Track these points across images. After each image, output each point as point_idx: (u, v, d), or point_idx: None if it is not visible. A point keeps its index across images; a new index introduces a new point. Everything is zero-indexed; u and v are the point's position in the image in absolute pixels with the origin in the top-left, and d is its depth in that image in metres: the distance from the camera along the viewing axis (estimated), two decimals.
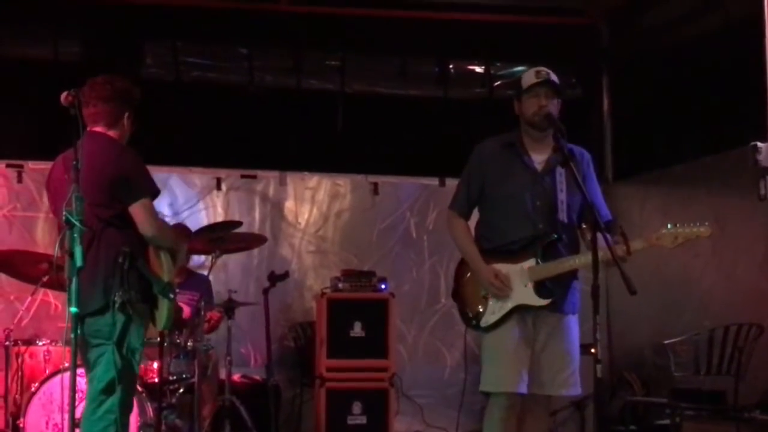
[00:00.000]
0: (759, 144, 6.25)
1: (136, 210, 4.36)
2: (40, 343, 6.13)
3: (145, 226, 4.37)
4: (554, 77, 4.62)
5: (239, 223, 6.82)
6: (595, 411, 6.73)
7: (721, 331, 6.35)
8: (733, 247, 6.81)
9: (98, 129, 4.53)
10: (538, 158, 4.63)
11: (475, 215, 4.80)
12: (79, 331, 3.94)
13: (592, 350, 4.05)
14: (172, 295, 4.44)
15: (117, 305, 4.26)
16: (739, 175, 6.62)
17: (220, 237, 6.35)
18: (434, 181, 8.18)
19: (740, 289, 6.75)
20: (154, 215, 4.45)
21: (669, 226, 4.42)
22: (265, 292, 6.89)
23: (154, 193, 4.50)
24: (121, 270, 4.29)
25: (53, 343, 6.10)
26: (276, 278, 7.04)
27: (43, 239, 7.27)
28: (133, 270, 4.32)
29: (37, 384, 5.77)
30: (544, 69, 4.63)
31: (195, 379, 6.19)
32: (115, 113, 4.56)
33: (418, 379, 7.89)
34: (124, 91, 4.60)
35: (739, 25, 6.88)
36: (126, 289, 4.28)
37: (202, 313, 6.35)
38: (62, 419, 5.50)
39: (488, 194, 4.68)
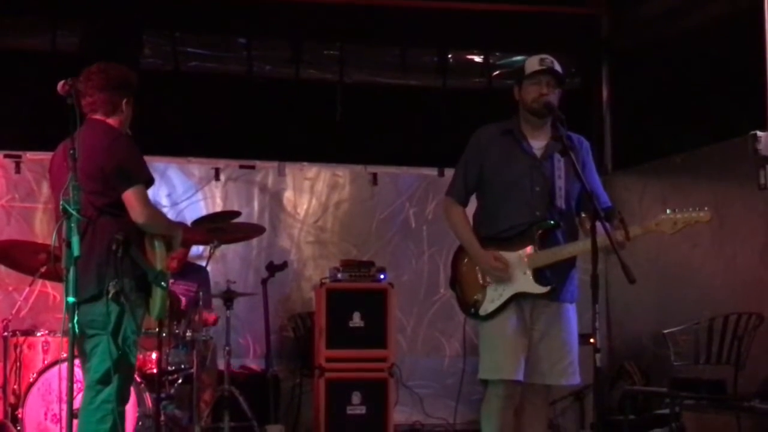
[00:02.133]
0: (759, 133, 6.26)
1: (129, 196, 4.35)
2: (39, 334, 6.13)
3: (136, 213, 4.35)
4: (558, 67, 4.59)
5: (238, 213, 6.81)
6: (594, 400, 6.73)
7: (721, 321, 6.34)
8: (733, 237, 6.80)
9: (97, 117, 4.53)
10: (537, 144, 4.61)
11: (473, 204, 4.80)
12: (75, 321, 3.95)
13: (591, 340, 4.04)
14: (164, 284, 4.42)
15: (111, 295, 4.25)
16: (739, 164, 6.62)
17: (219, 227, 6.34)
18: (433, 172, 8.17)
19: (740, 279, 6.75)
20: (147, 202, 4.43)
21: (668, 211, 4.41)
22: (264, 282, 6.89)
23: (148, 180, 4.48)
24: (114, 258, 4.28)
25: (51, 334, 6.10)
26: (275, 268, 7.05)
27: (41, 230, 7.26)
28: (126, 258, 4.31)
29: (35, 374, 5.77)
30: (548, 57, 4.60)
31: (194, 370, 6.20)
32: (112, 101, 4.55)
33: (418, 370, 7.89)
34: (119, 79, 4.58)
35: (739, 15, 6.87)
36: (120, 277, 4.27)
37: (201, 304, 6.35)
38: (61, 409, 5.50)
39: (487, 180, 4.66)
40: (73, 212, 3.87)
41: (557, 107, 4.51)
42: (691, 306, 7.03)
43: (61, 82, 4.01)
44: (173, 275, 6.68)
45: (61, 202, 3.91)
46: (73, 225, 3.87)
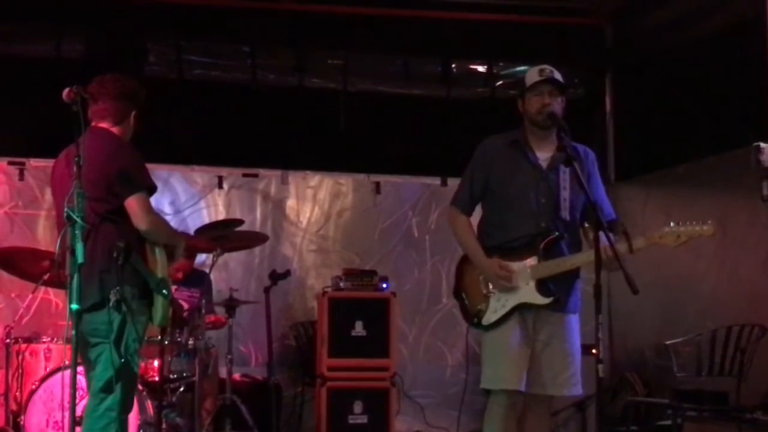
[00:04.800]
0: (762, 145, 6.26)
1: (131, 203, 4.36)
2: (41, 341, 6.12)
3: (138, 220, 4.37)
4: (558, 75, 4.61)
5: (241, 222, 6.81)
6: (597, 411, 6.72)
7: (724, 332, 6.34)
8: (736, 248, 6.79)
9: (102, 125, 4.55)
10: (543, 156, 4.63)
11: (477, 213, 4.80)
12: (79, 329, 3.94)
13: (593, 350, 4.03)
14: (165, 292, 4.41)
15: (112, 303, 4.25)
16: (742, 175, 6.62)
17: (222, 235, 6.35)
18: (436, 181, 8.17)
19: (743, 290, 6.74)
20: (149, 210, 4.44)
21: (672, 224, 4.40)
22: (267, 290, 6.88)
23: (151, 188, 4.50)
24: (115, 265, 4.28)
25: (54, 341, 6.09)
26: (277, 277, 7.03)
27: (44, 237, 7.26)
28: (127, 265, 4.31)
29: (37, 382, 5.76)
30: (547, 67, 4.62)
31: (196, 378, 6.19)
32: (122, 111, 4.58)
33: (419, 379, 7.88)
34: (132, 91, 4.64)
35: (742, 26, 6.87)
36: (121, 285, 4.27)
37: (203, 312, 6.35)
38: (63, 417, 5.50)
39: (492, 191, 4.68)
40: (78, 219, 3.88)
41: (562, 116, 4.53)
42: (693, 317, 7.03)
43: (67, 89, 4.01)
44: (177, 283, 6.69)
45: (65, 209, 3.92)
46: (77, 232, 3.87)
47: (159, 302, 4.44)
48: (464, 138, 5.19)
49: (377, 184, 8.16)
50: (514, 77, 8.19)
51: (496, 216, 4.67)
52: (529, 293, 4.53)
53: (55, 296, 7.06)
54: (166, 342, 6.01)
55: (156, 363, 6.06)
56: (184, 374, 6.28)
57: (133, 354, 4.38)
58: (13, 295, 7.04)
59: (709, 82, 7.20)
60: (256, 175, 7.96)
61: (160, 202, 7.54)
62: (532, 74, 4.63)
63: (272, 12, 7.97)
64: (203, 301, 6.38)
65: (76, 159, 3.97)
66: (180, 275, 6.78)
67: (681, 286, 7.34)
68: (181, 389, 6.28)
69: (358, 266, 7.66)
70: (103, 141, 4.45)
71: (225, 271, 7.59)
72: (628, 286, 3.96)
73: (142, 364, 5.99)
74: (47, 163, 5.11)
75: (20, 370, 6.02)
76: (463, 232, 4.73)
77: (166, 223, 4.89)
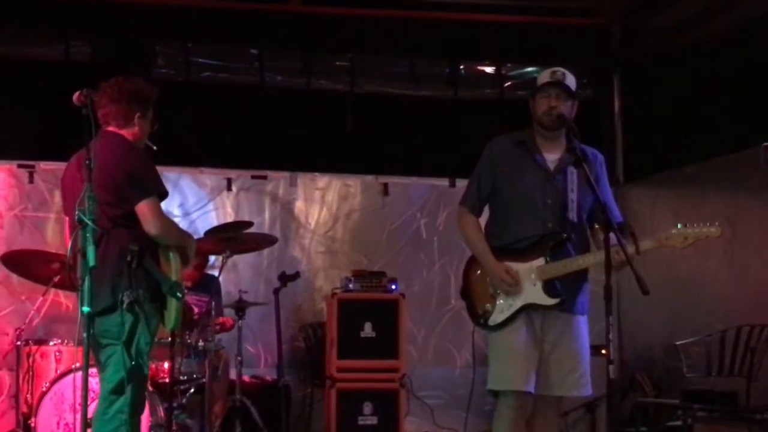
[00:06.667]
0: None
1: (141, 208, 4.36)
2: (51, 343, 6.14)
3: (149, 225, 4.37)
4: (570, 79, 4.59)
5: (250, 224, 6.82)
6: (608, 412, 6.72)
7: (733, 332, 6.34)
8: (745, 248, 6.79)
9: (111, 129, 4.56)
10: (550, 157, 4.62)
11: (485, 214, 4.81)
12: (91, 331, 3.95)
13: (603, 351, 4.03)
14: (179, 294, 4.42)
15: (125, 305, 4.26)
16: (750, 176, 6.62)
17: (231, 237, 6.36)
18: (444, 182, 8.17)
19: (752, 290, 6.73)
20: (160, 214, 4.43)
21: (679, 225, 4.40)
22: (276, 292, 6.90)
23: (161, 193, 4.49)
24: (128, 268, 4.29)
25: (64, 343, 6.11)
26: (286, 279, 7.04)
27: (53, 239, 7.27)
28: (140, 268, 4.32)
29: (48, 384, 5.78)
30: (560, 69, 4.61)
31: (206, 380, 6.20)
32: (123, 113, 4.56)
33: (428, 380, 7.88)
34: (132, 92, 4.59)
35: (750, 25, 6.86)
36: (134, 288, 4.28)
37: (213, 314, 6.36)
38: (74, 419, 5.51)
39: (499, 191, 4.68)
40: (89, 222, 3.89)
41: (572, 118, 4.52)
42: (703, 317, 7.02)
43: (77, 93, 4.03)
44: (185, 288, 6.70)
45: (76, 212, 3.93)
46: (88, 235, 3.88)
47: (172, 306, 4.43)
48: (472, 139, 5.19)
49: (385, 185, 8.17)
50: (522, 78, 8.21)
51: (502, 216, 4.67)
52: (536, 294, 4.53)
53: (65, 298, 7.08)
54: (177, 344, 6.02)
55: (166, 365, 6.08)
56: (194, 376, 6.29)
57: (144, 356, 4.39)
58: (23, 297, 7.06)
59: (717, 82, 7.19)
60: (264, 177, 7.97)
61: (169, 204, 7.54)
62: (543, 75, 4.63)
63: (279, 14, 7.98)
64: (213, 304, 6.40)
65: (87, 162, 3.98)
66: (189, 284, 6.79)
67: (690, 286, 7.33)
68: (191, 391, 6.30)
69: (367, 268, 7.66)
70: (111, 145, 4.45)
71: (234, 273, 7.60)
72: (639, 287, 3.96)
73: (153, 366, 6.01)
74: (57, 166, 5.15)
75: (31, 373, 6.04)
76: (472, 232, 4.72)
77: (176, 227, 4.89)
